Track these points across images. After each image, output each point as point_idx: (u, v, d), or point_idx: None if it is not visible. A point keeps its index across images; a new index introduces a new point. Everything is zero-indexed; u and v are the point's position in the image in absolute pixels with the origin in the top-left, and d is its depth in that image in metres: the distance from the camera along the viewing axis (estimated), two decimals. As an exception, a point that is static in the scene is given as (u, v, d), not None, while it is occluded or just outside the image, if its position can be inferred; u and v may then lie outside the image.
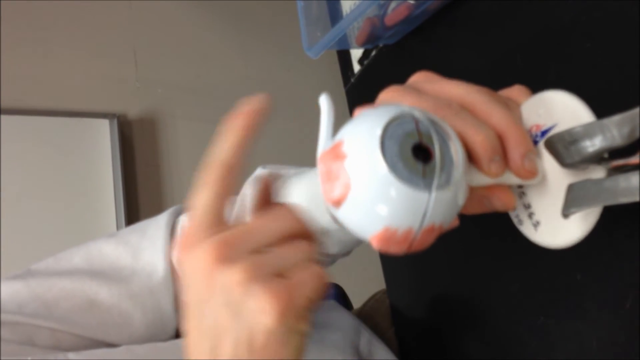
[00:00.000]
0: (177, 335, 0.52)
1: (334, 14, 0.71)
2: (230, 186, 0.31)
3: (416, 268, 0.70)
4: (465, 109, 0.31)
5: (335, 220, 0.30)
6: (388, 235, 0.27)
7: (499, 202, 0.32)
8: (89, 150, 1.72)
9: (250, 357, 0.27)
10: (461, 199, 0.29)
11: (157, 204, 1.81)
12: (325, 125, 0.31)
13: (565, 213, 0.31)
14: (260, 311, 0.27)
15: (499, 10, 0.57)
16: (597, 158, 0.31)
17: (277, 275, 0.28)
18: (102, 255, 0.49)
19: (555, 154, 0.32)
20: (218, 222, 0.29)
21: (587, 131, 0.30)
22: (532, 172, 0.31)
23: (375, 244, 0.28)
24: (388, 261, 0.76)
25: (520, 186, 0.34)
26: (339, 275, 1.06)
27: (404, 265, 0.73)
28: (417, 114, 0.29)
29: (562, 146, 0.32)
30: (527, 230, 0.34)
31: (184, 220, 0.52)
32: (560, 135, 0.31)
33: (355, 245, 0.46)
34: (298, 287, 0.28)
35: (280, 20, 2.04)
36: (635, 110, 0.29)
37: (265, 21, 2.10)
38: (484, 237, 0.58)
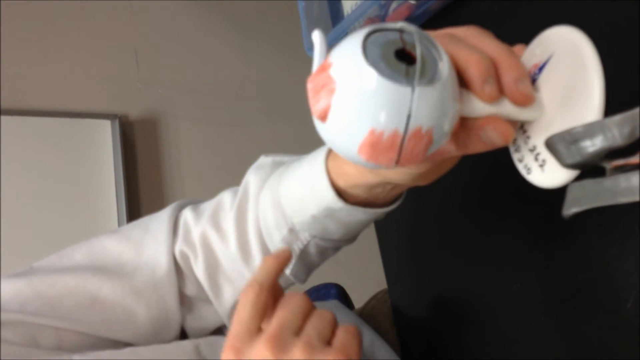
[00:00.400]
0: (182, 332, 0.52)
1: (335, 14, 0.71)
2: (265, 302, 0.35)
3: (418, 268, 0.70)
4: (459, 39, 0.31)
5: (324, 137, 0.29)
6: (374, 140, 0.26)
7: (495, 133, 0.31)
8: (90, 151, 1.72)
9: None
10: (450, 109, 0.28)
11: (158, 205, 1.81)
12: (317, 58, 0.31)
13: (566, 213, 0.31)
14: None
15: (499, 10, 0.57)
16: (598, 158, 0.31)
17: (326, 343, 0.33)
18: (104, 251, 0.49)
19: (556, 153, 0.32)
20: (258, 328, 0.35)
21: (588, 131, 0.30)
22: (527, 97, 0.30)
23: (364, 154, 0.27)
24: (390, 261, 0.77)
25: (524, 131, 0.33)
26: (340, 275, 1.06)
27: (405, 265, 0.73)
28: (402, 26, 0.29)
29: (562, 146, 0.32)
30: (536, 176, 0.33)
31: (186, 215, 0.51)
32: (561, 135, 0.31)
33: (358, 228, 0.46)
34: (347, 345, 0.33)
35: (281, 21, 2.04)
36: (636, 110, 0.29)
37: (265, 22, 2.11)
38: (485, 237, 0.58)
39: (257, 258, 0.48)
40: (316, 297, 0.93)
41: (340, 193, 0.41)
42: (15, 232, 1.53)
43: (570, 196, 0.31)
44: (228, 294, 0.50)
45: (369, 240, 0.77)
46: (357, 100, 0.26)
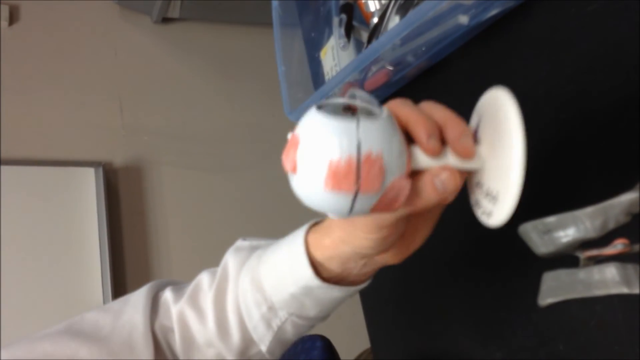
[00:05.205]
0: None
1: (316, 77, 0.72)
2: None
3: (400, 328, 0.70)
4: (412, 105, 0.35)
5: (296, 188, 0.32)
6: (334, 169, 0.30)
7: (442, 179, 0.34)
8: (74, 198, 1.71)
9: None
10: (394, 140, 0.32)
11: (142, 251, 1.80)
12: None
13: (542, 303, 0.31)
14: None
15: (470, 77, 0.58)
16: (572, 248, 0.31)
17: None
18: (83, 319, 0.50)
19: (529, 242, 0.32)
20: None
21: (561, 222, 0.31)
22: (468, 150, 0.33)
23: (329, 185, 0.30)
24: (373, 322, 0.76)
25: (478, 183, 0.35)
26: (323, 332, 1.05)
27: (389, 324, 0.72)
28: (351, 93, 0.33)
29: (536, 235, 0.32)
30: (495, 217, 0.33)
31: (166, 295, 0.52)
32: (534, 225, 0.32)
33: (332, 306, 0.46)
34: None
35: (265, 68, 2.06)
36: (607, 203, 0.29)
37: (250, 68, 2.13)
38: (470, 300, 0.58)
39: (234, 335, 0.48)
40: (301, 348, 0.92)
41: (317, 271, 0.42)
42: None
43: (545, 286, 0.32)
44: None
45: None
46: (315, 142, 0.31)
